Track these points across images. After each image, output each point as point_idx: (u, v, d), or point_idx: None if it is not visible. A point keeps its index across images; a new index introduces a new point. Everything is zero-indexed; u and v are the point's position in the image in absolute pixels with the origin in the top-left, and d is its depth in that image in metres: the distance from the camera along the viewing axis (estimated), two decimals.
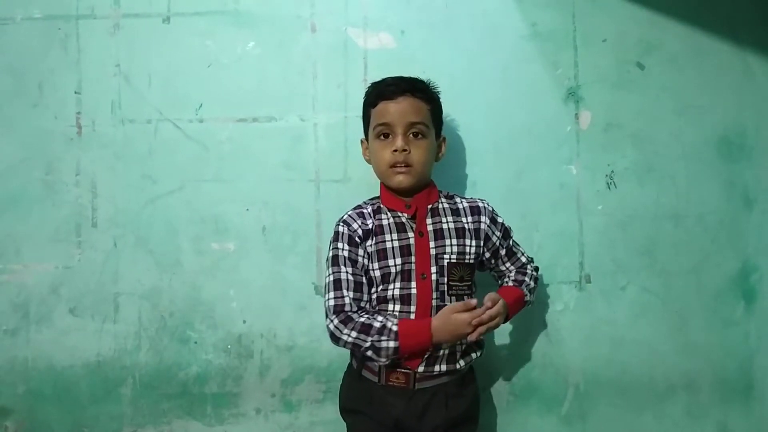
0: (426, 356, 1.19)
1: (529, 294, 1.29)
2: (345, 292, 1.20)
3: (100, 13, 1.50)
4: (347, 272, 1.22)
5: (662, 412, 1.47)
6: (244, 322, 1.49)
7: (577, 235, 1.47)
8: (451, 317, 1.14)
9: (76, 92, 1.51)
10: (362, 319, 1.17)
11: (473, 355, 1.26)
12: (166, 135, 1.50)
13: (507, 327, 1.47)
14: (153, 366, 1.49)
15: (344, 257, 1.23)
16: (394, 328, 1.14)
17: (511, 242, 1.32)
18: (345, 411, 1.30)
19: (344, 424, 1.30)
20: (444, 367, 1.21)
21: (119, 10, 1.50)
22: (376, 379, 1.24)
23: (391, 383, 1.22)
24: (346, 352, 1.31)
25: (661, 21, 1.47)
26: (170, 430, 1.49)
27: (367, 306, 1.23)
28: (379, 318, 1.17)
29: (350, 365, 1.31)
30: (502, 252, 1.31)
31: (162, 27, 1.50)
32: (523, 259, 1.34)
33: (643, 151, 1.47)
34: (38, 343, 1.50)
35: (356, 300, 1.20)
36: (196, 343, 1.49)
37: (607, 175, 1.47)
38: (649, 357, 1.47)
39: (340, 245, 1.23)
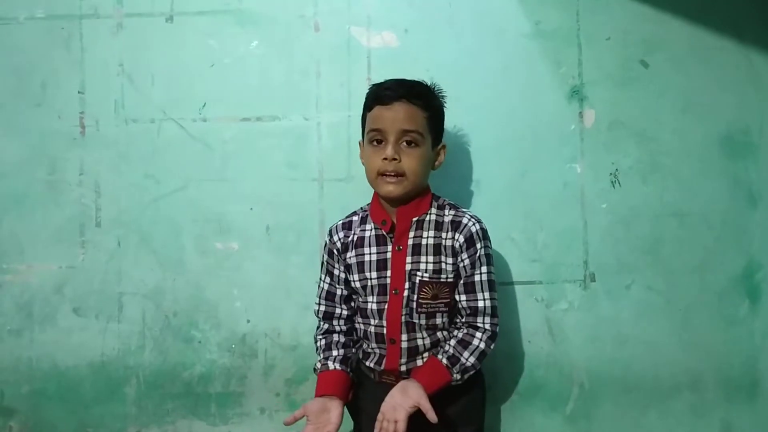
0: (405, 362, 1.21)
1: (458, 374, 1.16)
2: (320, 300, 1.30)
3: (103, 13, 1.50)
4: (325, 281, 1.30)
5: (667, 411, 1.46)
6: (248, 321, 1.49)
7: (581, 233, 1.46)
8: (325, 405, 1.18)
9: (79, 92, 1.51)
10: (320, 342, 1.27)
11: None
12: (170, 134, 1.50)
13: (509, 326, 1.47)
14: (157, 366, 1.49)
15: (325, 268, 1.30)
16: (317, 370, 1.24)
17: (477, 277, 1.19)
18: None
19: (347, 423, 1.30)
20: None
21: (122, 10, 1.50)
22: (371, 375, 1.26)
23: (383, 380, 1.24)
24: None
25: (665, 19, 1.46)
26: (174, 429, 1.49)
27: (343, 312, 1.28)
28: (321, 356, 1.25)
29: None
30: (461, 281, 1.20)
31: (165, 26, 1.50)
32: (481, 304, 1.19)
33: (647, 149, 1.47)
34: (42, 343, 1.50)
35: (328, 309, 1.28)
36: (200, 342, 1.49)
37: (611, 174, 1.47)
38: (654, 355, 1.47)
39: (324, 256, 1.30)
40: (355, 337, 1.30)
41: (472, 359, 1.17)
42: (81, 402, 1.50)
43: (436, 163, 1.27)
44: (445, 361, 1.17)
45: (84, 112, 1.51)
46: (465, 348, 1.18)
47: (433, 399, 1.17)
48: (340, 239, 1.28)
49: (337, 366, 1.22)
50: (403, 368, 1.21)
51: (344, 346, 1.26)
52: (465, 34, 1.48)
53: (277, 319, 1.49)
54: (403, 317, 1.20)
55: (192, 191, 1.49)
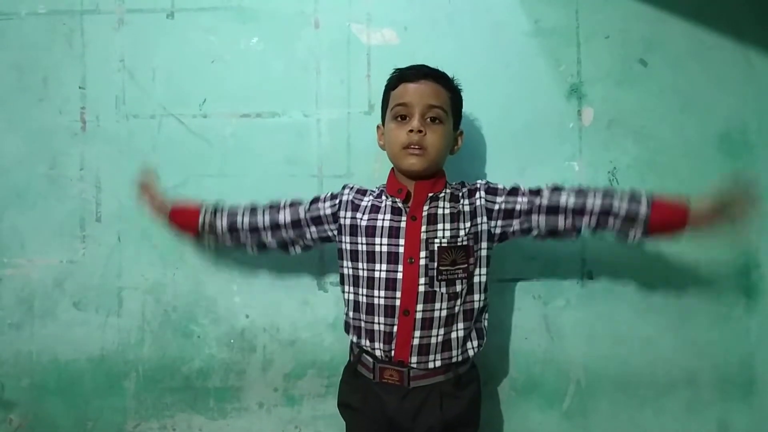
0: (419, 336, 1.19)
1: (637, 190, 1.18)
2: (284, 203, 1.32)
3: (104, 9, 1.51)
4: (303, 208, 1.30)
5: (663, 408, 1.47)
6: (247, 316, 1.50)
7: None
8: None
9: (80, 87, 1.51)
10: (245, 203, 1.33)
11: (469, 346, 1.23)
12: (170, 130, 1.50)
13: (506, 323, 1.48)
14: (156, 360, 1.50)
15: (315, 199, 1.31)
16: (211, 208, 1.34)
17: (526, 188, 1.24)
18: (342, 406, 1.30)
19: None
20: (438, 360, 1.20)
21: (123, 6, 1.50)
22: (371, 376, 1.23)
23: (385, 381, 1.21)
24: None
25: (664, 18, 1.47)
26: (173, 423, 1.50)
27: (282, 217, 1.30)
28: (228, 205, 1.34)
29: (349, 361, 1.31)
30: (522, 202, 1.22)
31: (166, 22, 1.50)
32: (551, 185, 1.23)
33: (645, 147, 1.47)
34: (42, 337, 1.51)
35: (276, 203, 1.32)
36: (199, 337, 1.50)
37: (609, 172, 1.47)
38: (650, 353, 1.47)
39: (322, 195, 1.32)
40: (248, 238, 1.32)
41: (616, 188, 1.20)
42: (81, 395, 1.51)
43: (455, 147, 1.30)
44: (643, 192, 1.17)
45: (85, 107, 1.51)
46: (611, 189, 1.20)
47: (432, 399, 1.20)
48: (350, 195, 1.28)
49: (209, 224, 1.31)
50: (415, 342, 1.18)
51: (234, 227, 1.31)
52: (464, 32, 1.48)
53: (275, 314, 1.50)
54: (421, 287, 1.19)
55: (192, 187, 1.49)
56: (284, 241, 1.32)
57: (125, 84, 1.51)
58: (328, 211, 1.29)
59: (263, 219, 1.31)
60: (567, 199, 1.19)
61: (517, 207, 1.23)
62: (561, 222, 1.20)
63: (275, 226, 1.30)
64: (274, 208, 1.32)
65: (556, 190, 1.22)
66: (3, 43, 1.52)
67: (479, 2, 1.48)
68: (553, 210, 1.20)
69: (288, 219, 1.30)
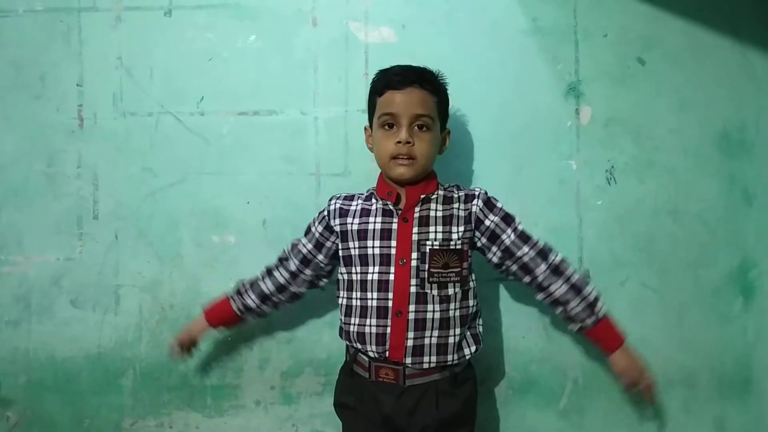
0: (412, 337, 1.19)
1: (599, 304, 1.26)
2: (287, 246, 1.36)
3: (102, 6, 1.51)
4: (301, 241, 1.34)
5: (660, 407, 1.47)
6: None
7: (576, 230, 1.47)
8: None
9: (77, 85, 1.51)
10: (260, 273, 1.37)
11: (466, 351, 1.23)
12: (167, 128, 1.50)
13: (504, 321, 1.48)
14: (153, 358, 1.50)
15: (308, 225, 1.34)
16: (233, 294, 1.38)
17: (520, 227, 1.26)
18: (338, 406, 1.30)
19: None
20: (434, 360, 1.20)
21: (121, 3, 1.50)
22: (366, 375, 1.23)
23: (380, 379, 1.22)
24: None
25: (662, 16, 1.47)
26: (170, 421, 1.50)
27: (292, 265, 1.34)
28: (247, 284, 1.37)
29: (345, 360, 1.31)
30: (508, 238, 1.24)
31: (163, 20, 1.50)
32: (542, 244, 1.25)
33: (643, 146, 1.47)
34: (39, 335, 1.51)
35: (284, 255, 1.36)
36: None
37: (606, 171, 1.47)
38: (647, 352, 1.45)
39: (311, 219, 1.34)
40: (280, 297, 1.35)
41: (589, 287, 1.26)
42: (78, 393, 1.51)
43: (443, 147, 1.30)
44: (602, 309, 1.26)
45: (82, 104, 1.51)
46: (582, 286, 1.25)
47: (428, 397, 1.20)
48: (336, 205, 1.30)
49: (242, 306, 1.35)
50: (409, 344, 1.18)
51: (264, 295, 1.35)
52: (462, 30, 1.48)
53: (272, 312, 1.49)
54: (412, 288, 1.19)
55: (189, 184, 1.50)
56: (308, 281, 1.35)
57: (123, 81, 1.51)
58: (320, 228, 1.31)
59: (281, 275, 1.34)
60: (541, 273, 1.24)
61: (504, 239, 1.25)
62: (526, 281, 1.27)
63: (293, 275, 1.34)
64: (283, 260, 1.35)
65: (542, 254, 1.25)
66: (0, 40, 1.52)
67: (477, 0, 1.48)
68: (527, 271, 1.25)
69: (297, 261, 1.33)
